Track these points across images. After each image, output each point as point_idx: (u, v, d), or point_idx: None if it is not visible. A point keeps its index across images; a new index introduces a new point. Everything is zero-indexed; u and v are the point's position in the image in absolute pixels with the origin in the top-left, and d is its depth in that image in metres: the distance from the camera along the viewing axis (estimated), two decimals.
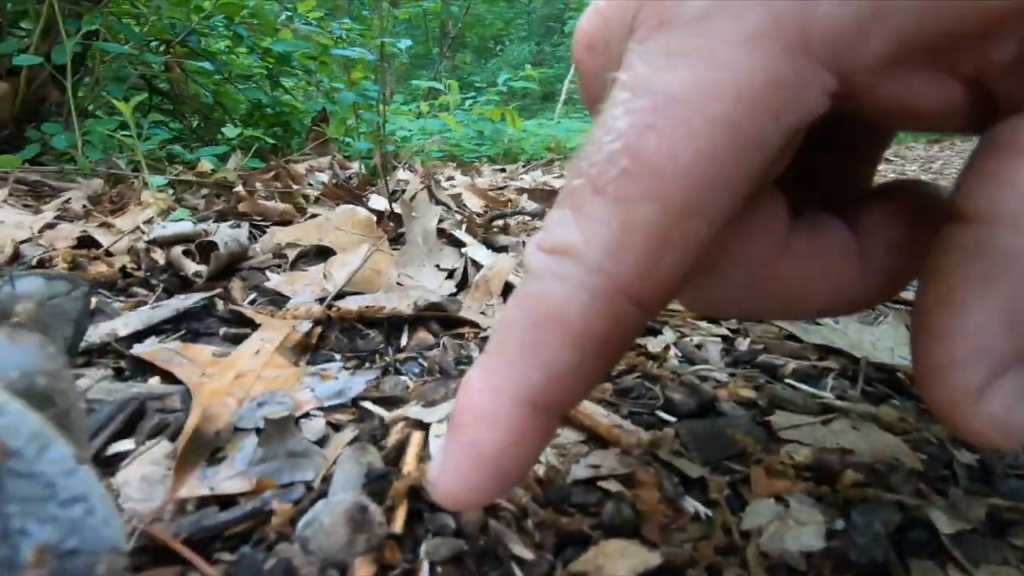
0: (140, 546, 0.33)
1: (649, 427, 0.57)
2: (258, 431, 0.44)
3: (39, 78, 1.73)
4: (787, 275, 0.25)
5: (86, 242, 0.91)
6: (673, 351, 0.80)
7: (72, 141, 1.64)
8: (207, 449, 0.42)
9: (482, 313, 0.83)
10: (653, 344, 0.82)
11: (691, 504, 0.45)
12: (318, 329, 0.69)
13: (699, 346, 0.81)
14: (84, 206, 1.27)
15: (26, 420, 0.18)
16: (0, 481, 0.17)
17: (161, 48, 2.31)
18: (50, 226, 0.94)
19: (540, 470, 0.46)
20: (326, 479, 0.41)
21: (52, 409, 0.22)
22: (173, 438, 0.43)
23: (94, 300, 0.67)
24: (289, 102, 2.99)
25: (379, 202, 1.25)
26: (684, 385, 0.63)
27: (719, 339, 0.84)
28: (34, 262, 0.76)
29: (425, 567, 0.36)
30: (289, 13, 2.70)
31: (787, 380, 0.70)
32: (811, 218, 0.26)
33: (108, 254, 0.89)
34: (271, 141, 2.59)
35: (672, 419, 0.59)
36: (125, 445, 0.42)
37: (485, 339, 0.74)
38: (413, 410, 0.51)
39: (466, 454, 0.21)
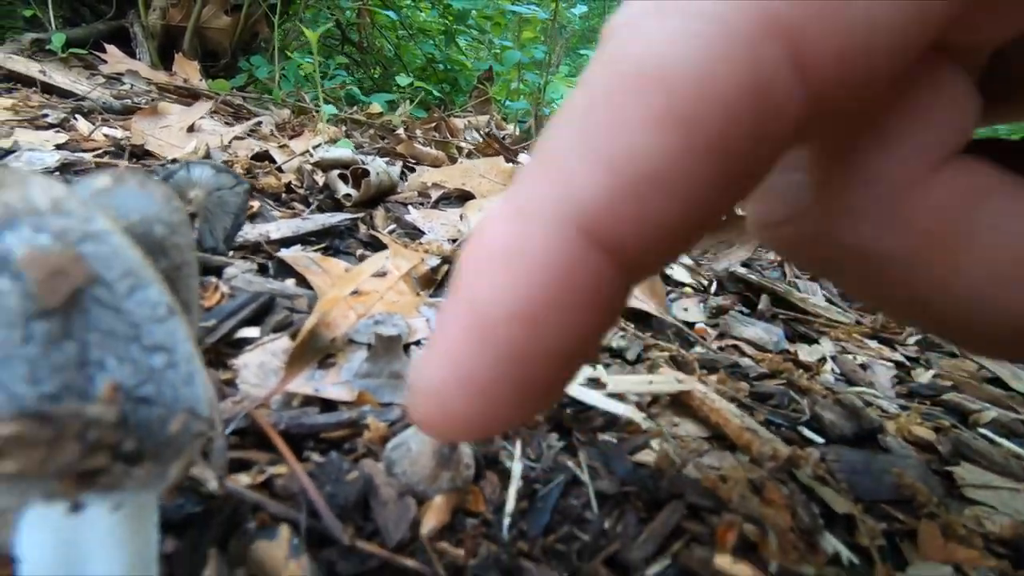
0: (243, 427, 0.34)
1: (788, 442, 0.48)
2: (369, 347, 0.44)
3: (255, 15, 1.95)
4: (955, 233, 0.15)
5: (263, 157, 1.01)
6: (830, 366, 0.68)
7: (272, 74, 1.83)
8: (320, 352, 0.43)
9: None
10: (805, 352, 0.70)
11: (831, 543, 0.36)
12: (445, 267, 0.68)
13: (864, 366, 0.68)
14: (271, 130, 1.41)
15: (124, 256, 0.17)
16: (84, 307, 0.16)
17: None
18: (239, 139, 1.05)
19: (651, 457, 0.41)
20: None
21: (165, 261, 0.22)
22: (294, 336, 0.44)
23: (257, 205, 0.72)
24: (460, 60, 3.08)
25: (526, 159, 1.23)
26: (842, 405, 0.53)
27: (892, 364, 0.70)
28: (220, 161, 0.85)
29: (505, 523, 0.33)
30: None
31: (981, 429, 0.56)
32: None
33: (279, 170, 0.97)
34: (437, 95, 2.69)
35: (819, 440, 0.49)
36: (251, 332, 0.44)
37: None
38: None
39: (464, 332, 0.13)
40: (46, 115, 0.99)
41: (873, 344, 0.76)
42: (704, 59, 0.12)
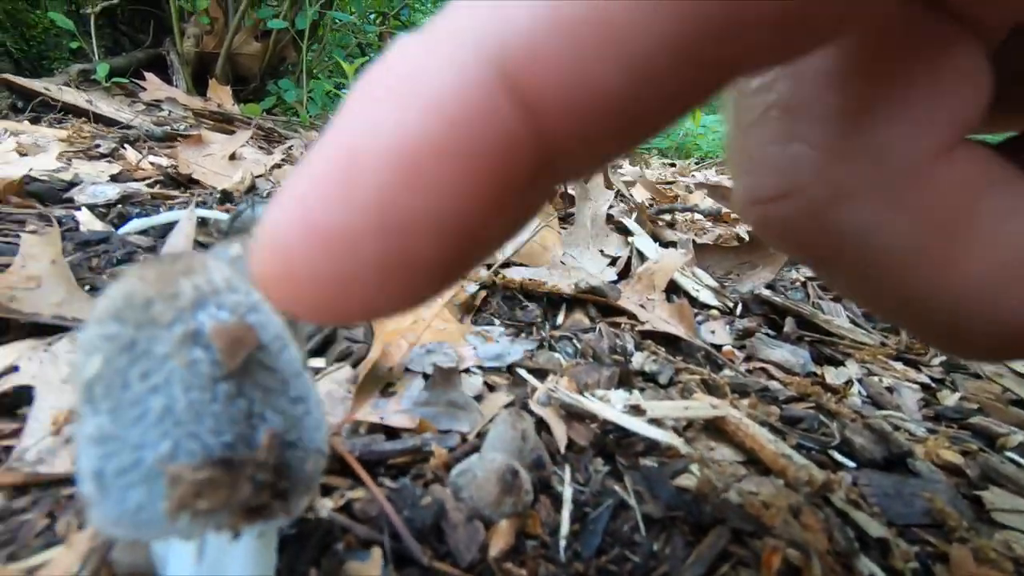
0: None
1: (820, 466, 0.50)
2: (425, 375, 0.47)
3: (283, 41, 2.02)
4: (958, 222, 0.14)
5: None
6: (857, 388, 0.70)
7: (299, 97, 1.89)
8: (381, 381, 0.46)
9: (641, 306, 0.80)
10: (832, 375, 0.72)
11: (867, 566, 0.39)
12: (483, 293, 0.72)
13: (891, 389, 0.70)
14: (302, 153, 1.46)
15: (273, 320, 0.21)
16: (251, 369, 0.19)
17: (378, 20, 2.57)
18: (278, 165, 1.10)
19: (692, 481, 0.43)
20: (480, 435, 0.43)
21: (282, 317, 0.25)
22: (355, 364, 0.47)
23: None
24: None
25: None
26: (871, 429, 0.55)
27: (918, 387, 0.72)
28: (265, 194, 0.89)
29: (562, 545, 0.36)
30: None
31: (1009, 453, 0.57)
32: None
33: None
34: None
35: (850, 464, 0.51)
36: (318, 363, 0.47)
37: (643, 333, 0.72)
38: (563, 382, 0.51)
39: (326, 169, 0.11)
40: (98, 145, 1.04)
41: (898, 366, 0.78)
42: None
